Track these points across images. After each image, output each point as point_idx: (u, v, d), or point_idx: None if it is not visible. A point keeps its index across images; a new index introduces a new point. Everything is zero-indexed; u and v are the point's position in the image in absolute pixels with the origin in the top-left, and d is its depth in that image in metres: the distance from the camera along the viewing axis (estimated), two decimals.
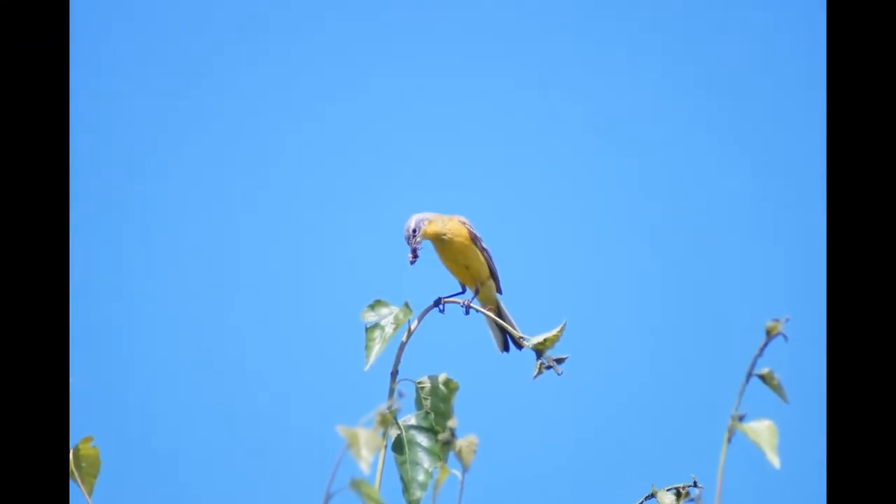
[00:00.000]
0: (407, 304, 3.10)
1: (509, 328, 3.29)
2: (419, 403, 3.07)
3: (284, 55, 4.54)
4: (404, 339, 3.11)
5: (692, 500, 3.00)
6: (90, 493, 2.78)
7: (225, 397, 4.16)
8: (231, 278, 4.31)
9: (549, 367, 3.07)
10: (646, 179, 4.38)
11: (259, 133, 4.49)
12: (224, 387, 4.17)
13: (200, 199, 4.43)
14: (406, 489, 2.95)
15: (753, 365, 2.68)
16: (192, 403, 4.27)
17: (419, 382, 3.08)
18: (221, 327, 4.22)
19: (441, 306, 3.27)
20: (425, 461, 2.97)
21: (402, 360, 3.09)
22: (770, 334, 2.66)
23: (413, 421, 3.01)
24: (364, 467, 2.46)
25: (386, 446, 2.97)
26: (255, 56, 4.52)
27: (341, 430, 2.47)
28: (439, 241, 3.35)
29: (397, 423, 3.00)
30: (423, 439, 2.99)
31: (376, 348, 3.06)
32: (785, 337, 2.61)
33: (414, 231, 3.30)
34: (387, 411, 2.56)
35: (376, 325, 3.06)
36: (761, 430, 2.64)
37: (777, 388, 2.66)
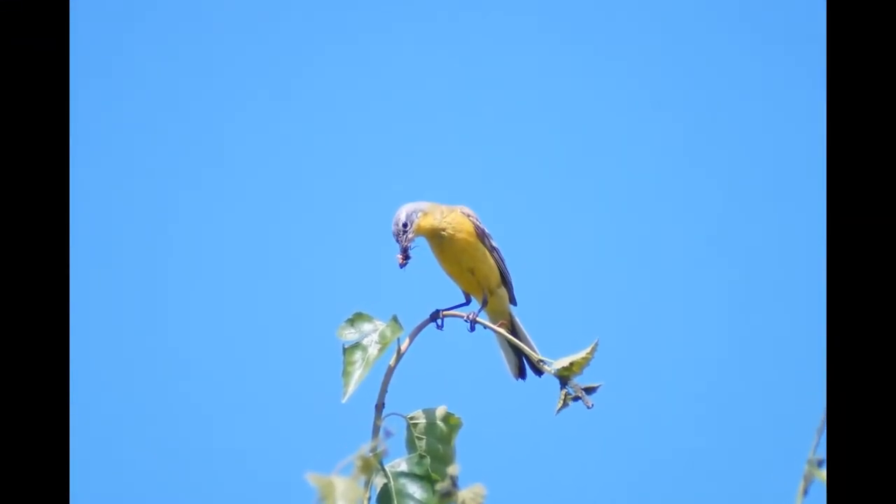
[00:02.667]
0: (395, 319, 2.90)
1: (526, 349, 3.05)
2: (412, 444, 2.88)
3: (276, 45, 4.76)
4: (392, 362, 2.91)
5: None
6: None
7: (172, 436, 4.23)
8: (182, 283, 4.43)
9: (576, 399, 2.88)
10: (695, 171, 4.52)
11: (234, 126, 4.67)
12: (170, 424, 4.25)
13: (190, 193, 4.60)
14: None
15: None
16: (134, 451, 4.31)
17: (411, 418, 2.88)
18: (163, 344, 4.32)
19: (439, 321, 3.03)
20: None
21: (390, 389, 2.90)
22: None
23: (404, 467, 2.83)
24: None
25: (370, 499, 2.79)
26: (249, 53, 4.74)
27: (313, 479, 2.38)
28: (437, 237, 3.10)
29: (384, 470, 2.81)
30: (416, 490, 2.81)
31: (357, 374, 2.86)
32: None
33: (405, 225, 3.05)
34: (371, 454, 2.48)
35: (357, 346, 2.87)
36: None
37: None
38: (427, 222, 3.08)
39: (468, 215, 3.11)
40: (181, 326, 4.33)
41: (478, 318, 3.07)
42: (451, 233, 3.10)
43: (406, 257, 3.06)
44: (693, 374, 4.09)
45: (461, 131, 4.47)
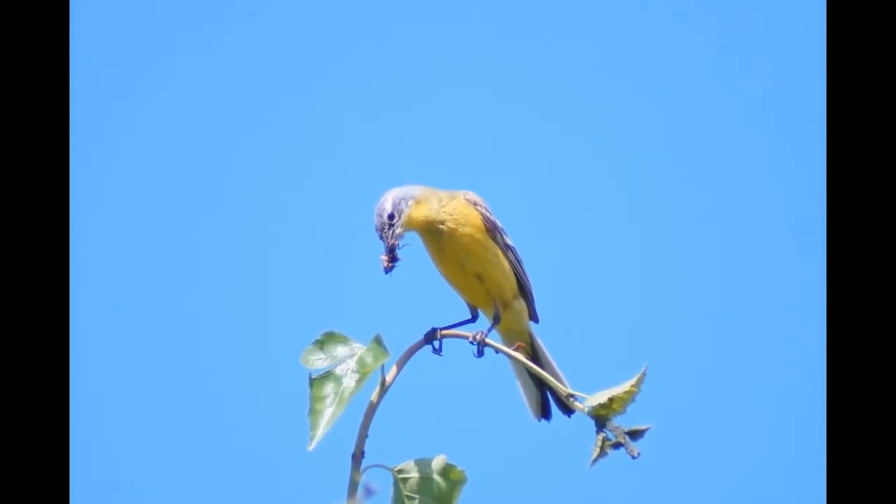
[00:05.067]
0: (379, 340, 2.80)
1: (551, 380, 2.94)
2: None
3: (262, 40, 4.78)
4: (375, 397, 2.80)
5: None
6: None
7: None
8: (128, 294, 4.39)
9: (617, 446, 2.78)
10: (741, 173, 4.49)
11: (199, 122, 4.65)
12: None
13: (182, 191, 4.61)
14: None
15: None
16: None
17: (400, 471, 2.82)
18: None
19: (436, 343, 2.93)
20: None
21: (372, 432, 2.81)
22: None
23: None
24: None
25: None
26: (241, 52, 4.77)
27: None
28: (434, 233, 2.98)
29: None
30: None
31: (328, 414, 2.76)
32: None
33: (391, 217, 2.92)
34: None
35: (328, 376, 2.77)
36: None
37: None
38: (420, 213, 2.94)
39: (474, 204, 2.98)
40: (110, 343, 4.30)
41: (487, 340, 2.94)
42: (453, 227, 2.97)
43: (393, 259, 2.94)
44: (769, 416, 3.96)
45: (469, 105, 4.44)
